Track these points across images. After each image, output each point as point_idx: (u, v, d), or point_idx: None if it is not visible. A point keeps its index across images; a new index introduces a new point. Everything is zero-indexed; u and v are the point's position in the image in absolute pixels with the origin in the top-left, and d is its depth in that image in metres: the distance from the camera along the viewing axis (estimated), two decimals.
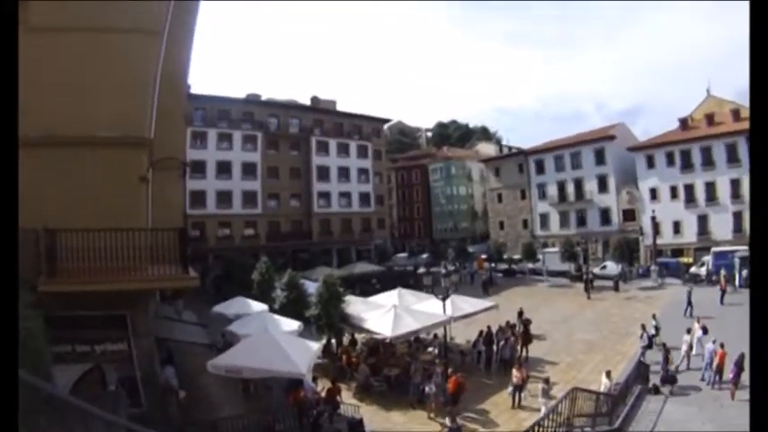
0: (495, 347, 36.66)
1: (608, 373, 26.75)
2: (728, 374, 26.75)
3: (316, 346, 29.34)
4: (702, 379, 29.18)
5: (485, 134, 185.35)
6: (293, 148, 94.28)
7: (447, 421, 25.71)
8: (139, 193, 20.28)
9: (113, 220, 16.99)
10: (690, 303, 45.81)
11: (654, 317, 37.99)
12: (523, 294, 66.28)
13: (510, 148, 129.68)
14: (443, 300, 34.50)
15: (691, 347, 32.38)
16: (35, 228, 16.01)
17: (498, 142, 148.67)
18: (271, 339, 25.71)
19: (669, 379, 28.65)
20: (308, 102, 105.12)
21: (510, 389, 28.72)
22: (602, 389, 24.99)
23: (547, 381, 27.90)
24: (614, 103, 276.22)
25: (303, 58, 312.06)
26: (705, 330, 33.15)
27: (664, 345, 32.19)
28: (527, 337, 39.05)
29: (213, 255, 77.94)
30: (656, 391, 27.69)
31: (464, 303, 38.49)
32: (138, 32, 19.92)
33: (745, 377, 24.93)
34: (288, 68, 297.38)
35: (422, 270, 64.10)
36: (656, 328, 36.62)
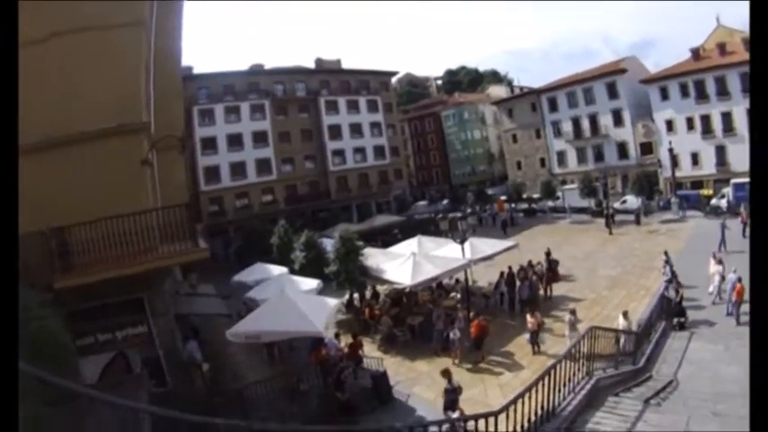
0: (517, 288, 36.19)
1: (625, 314, 25.66)
2: None
3: (334, 303, 29.46)
4: (729, 313, 28.18)
5: (495, 77, 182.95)
6: (302, 111, 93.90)
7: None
8: (143, 176, 20.52)
9: (120, 207, 17.18)
10: (723, 237, 44.01)
11: (666, 254, 36.05)
12: (545, 233, 66.90)
13: (521, 88, 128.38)
14: (462, 243, 34.96)
15: (723, 279, 31.04)
16: (41, 230, 16.37)
17: (509, 84, 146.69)
18: (287, 300, 25.65)
19: (678, 312, 28.05)
20: (312, 65, 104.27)
21: (527, 336, 28.26)
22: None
23: (573, 312, 27.83)
24: (623, 37, 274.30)
25: (304, 23, 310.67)
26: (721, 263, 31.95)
27: (672, 278, 32.33)
28: (554, 276, 38.94)
29: (234, 227, 78.28)
30: (680, 327, 26.95)
31: (483, 245, 38.53)
32: (123, 27, 20.14)
33: None
34: (289, 35, 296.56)
35: (440, 216, 63.70)
36: (671, 267, 34.28)
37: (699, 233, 53.23)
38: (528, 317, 28.20)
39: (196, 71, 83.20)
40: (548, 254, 41.26)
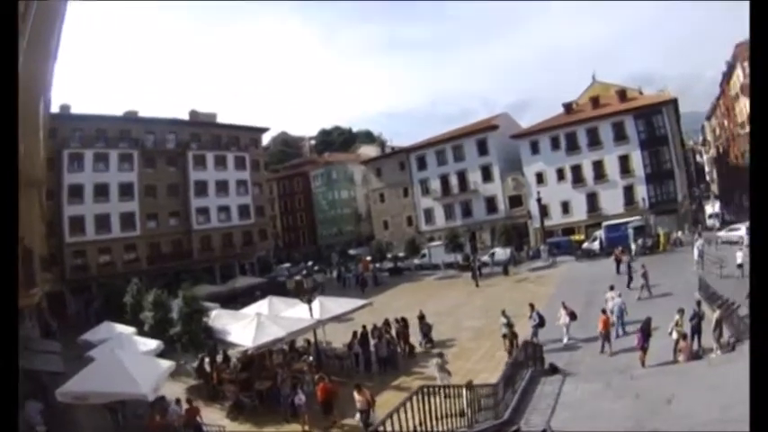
0: (372, 348, 34.57)
1: (469, 385, 21.47)
2: (635, 342, 25.76)
3: (166, 365, 28.41)
4: (603, 351, 28.80)
5: (368, 138, 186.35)
6: (170, 164, 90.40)
7: None
8: None
9: None
10: (630, 275, 44.93)
11: (503, 312, 33.70)
12: (409, 290, 65.93)
13: (393, 148, 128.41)
14: (309, 303, 33.93)
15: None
16: None
17: (382, 144, 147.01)
18: (115, 361, 24.77)
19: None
20: (187, 116, 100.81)
21: (357, 416, 24.73)
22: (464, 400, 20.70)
23: (441, 354, 27.21)
24: (501, 98, 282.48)
25: (186, 77, 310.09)
26: (573, 316, 32.51)
27: (540, 323, 32.27)
28: (406, 335, 36.97)
29: (97, 283, 73.53)
30: (553, 370, 25.42)
31: (334, 304, 37.08)
32: None
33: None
34: (170, 85, 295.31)
35: (297, 277, 65.31)
36: (509, 324, 32.79)
37: (569, 277, 54.79)
38: (355, 394, 24.65)
39: (74, 110, 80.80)
40: (421, 317, 39.36)
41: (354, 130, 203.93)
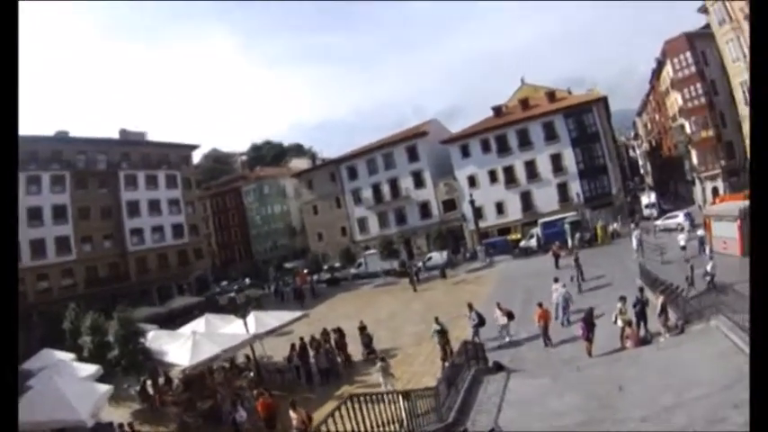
0: (312, 359, 34.20)
1: (404, 391, 22.28)
2: (579, 331, 26.02)
3: (104, 389, 27.68)
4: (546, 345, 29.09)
5: (300, 151, 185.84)
6: (102, 186, 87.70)
7: None
8: None
9: None
10: (581, 271, 44.24)
11: (436, 319, 32.67)
12: (347, 300, 65.41)
13: (323, 160, 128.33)
14: (243, 318, 33.74)
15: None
16: None
17: (313, 157, 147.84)
18: (53, 388, 24.30)
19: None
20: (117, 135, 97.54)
21: None
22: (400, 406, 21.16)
23: (383, 359, 27.49)
24: (432, 105, 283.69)
25: (114, 95, 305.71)
26: (510, 316, 32.30)
27: (479, 323, 32.02)
28: (343, 345, 36.41)
29: (37, 311, 70.98)
30: (498, 368, 24.83)
31: (270, 318, 36.66)
32: None
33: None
34: (98, 104, 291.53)
35: (231, 294, 66.17)
36: (441, 331, 31.64)
37: (508, 275, 55.14)
38: (291, 412, 23.49)
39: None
40: (361, 328, 38.29)
41: (285, 143, 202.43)
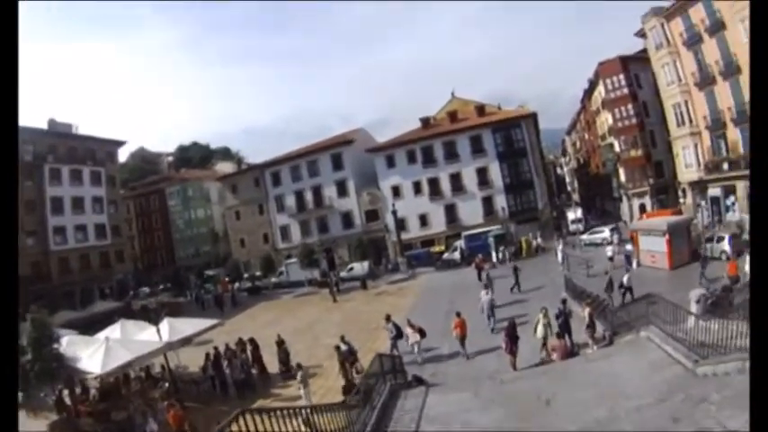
0: (226, 370, 32.92)
1: (310, 406, 20.26)
2: (503, 346, 24.88)
3: None
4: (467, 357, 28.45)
5: (227, 155, 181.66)
6: (27, 179, 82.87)
7: None
8: None
9: None
10: (517, 281, 44.50)
11: (342, 338, 31.56)
12: (267, 309, 64.32)
13: (248, 165, 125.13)
14: (156, 325, 32.02)
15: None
16: None
17: (239, 161, 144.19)
18: None
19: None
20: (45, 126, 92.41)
21: None
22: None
23: (299, 366, 27.01)
24: (360, 116, 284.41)
25: (45, 84, 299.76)
26: (422, 333, 30.56)
27: (397, 335, 30.90)
28: (257, 356, 35.03)
29: None
30: (418, 381, 23.68)
31: (183, 325, 34.86)
32: None
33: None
34: (29, 92, 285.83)
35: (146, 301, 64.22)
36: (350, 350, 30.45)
37: (429, 287, 54.83)
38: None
39: None
40: (279, 343, 35.86)
41: (213, 146, 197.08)
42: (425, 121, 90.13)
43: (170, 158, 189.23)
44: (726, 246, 42.37)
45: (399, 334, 30.76)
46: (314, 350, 38.28)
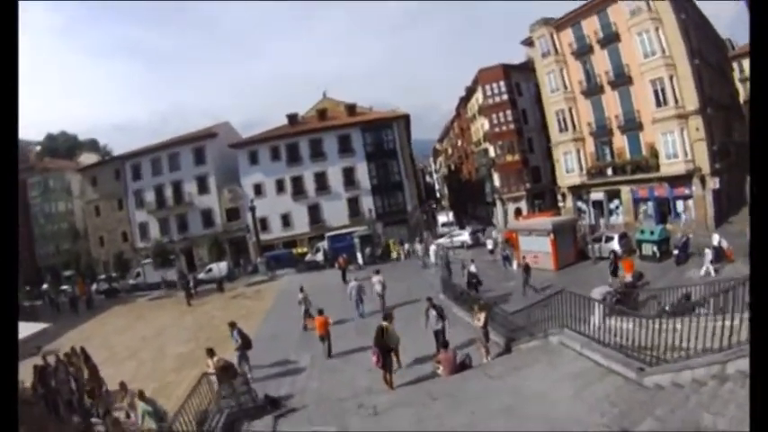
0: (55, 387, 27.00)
1: None
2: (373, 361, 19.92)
3: None
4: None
5: (94, 147, 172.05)
6: None
7: None
8: None
9: None
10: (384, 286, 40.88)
11: (231, 324, 28.01)
12: (120, 313, 60.59)
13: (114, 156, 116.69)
14: None
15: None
16: None
17: (105, 154, 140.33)
18: None
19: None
20: None
21: None
22: None
23: (123, 386, 22.63)
24: (237, 116, 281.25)
25: None
26: (247, 344, 26.88)
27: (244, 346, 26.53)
28: (92, 369, 29.26)
29: None
30: (272, 404, 19.62)
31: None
32: None
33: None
34: None
35: None
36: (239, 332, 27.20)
37: (289, 289, 51.74)
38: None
39: None
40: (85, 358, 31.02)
41: (81, 138, 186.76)
42: (292, 118, 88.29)
43: (37, 148, 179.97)
44: (615, 245, 43.32)
45: (246, 344, 26.44)
46: (159, 361, 34.72)
